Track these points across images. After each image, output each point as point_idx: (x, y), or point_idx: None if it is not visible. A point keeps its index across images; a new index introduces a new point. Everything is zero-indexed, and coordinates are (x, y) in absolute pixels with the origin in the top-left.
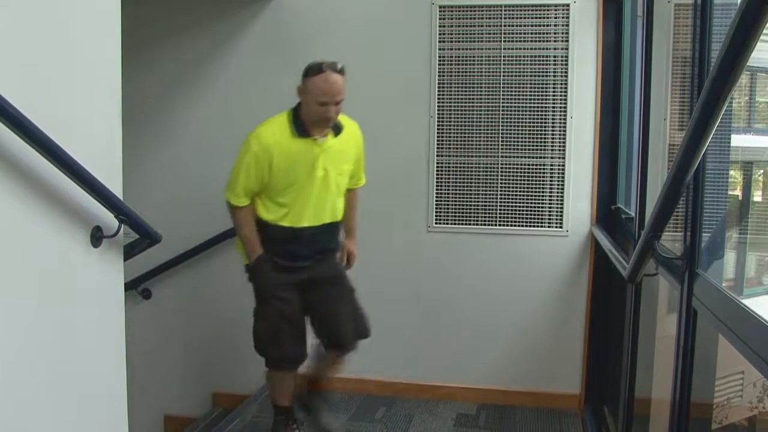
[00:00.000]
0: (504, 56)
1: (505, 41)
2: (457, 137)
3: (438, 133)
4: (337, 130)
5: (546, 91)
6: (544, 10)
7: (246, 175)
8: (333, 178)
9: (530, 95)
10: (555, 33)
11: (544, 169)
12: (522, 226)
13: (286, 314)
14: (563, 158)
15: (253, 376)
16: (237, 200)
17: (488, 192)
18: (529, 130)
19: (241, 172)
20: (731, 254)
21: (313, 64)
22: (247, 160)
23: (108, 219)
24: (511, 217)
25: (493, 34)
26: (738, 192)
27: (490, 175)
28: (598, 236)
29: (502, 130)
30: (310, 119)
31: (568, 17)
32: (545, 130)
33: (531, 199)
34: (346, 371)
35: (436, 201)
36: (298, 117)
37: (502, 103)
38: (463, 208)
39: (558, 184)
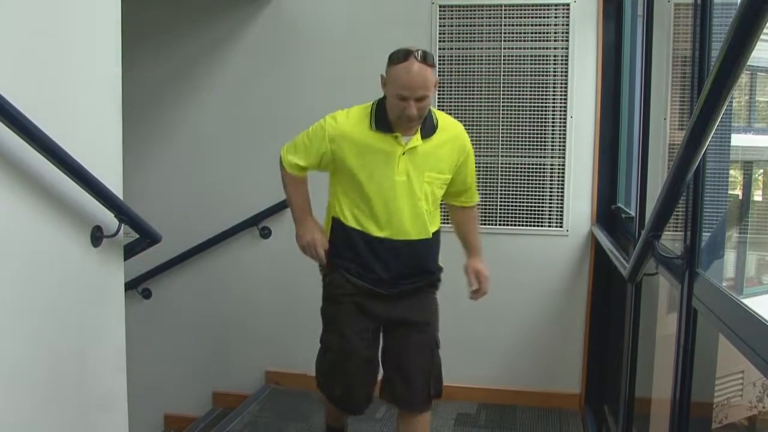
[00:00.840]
0: (504, 56)
1: (505, 41)
2: None
3: None
4: (431, 130)
5: (546, 91)
6: (544, 10)
7: (305, 144)
8: (418, 186)
9: (530, 95)
10: (555, 32)
11: (544, 168)
12: (522, 225)
13: (355, 351)
14: (563, 158)
15: (252, 376)
16: (288, 158)
17: (488, 191)
18: (529, 130)
19: (303, 137)
20: (731, 254)
21: (398, 50)
22: (314, 129)
23: (108, 219)
24: (511, 217)
25: (494, 33)
26: (738, 191)
27: (490, 175)
28: (598, 236)
29: (502, 129)
30: (391, 115)
31: (568, 17)
32: (545, 130)
33: (531, 199)
34: None
35: None
36: (382, 110)
37: (502, 102)
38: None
39: (558, 184)
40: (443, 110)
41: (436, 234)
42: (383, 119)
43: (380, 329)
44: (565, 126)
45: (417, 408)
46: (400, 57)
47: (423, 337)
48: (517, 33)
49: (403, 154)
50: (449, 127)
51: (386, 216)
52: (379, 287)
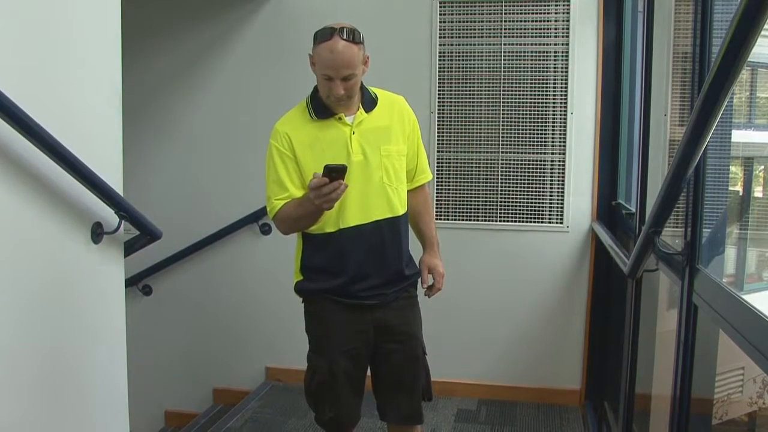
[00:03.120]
0: (504, 52)
1: (505, 37)
2: (457, 133)
3: (438, 128)
4: (371, 103)
5: (546, 87)
6: (544, 6)
7: (277, 176)
8: (376, 163)
9: (531, 91)
10: (555, 28)
11: (544, 164)
12: (522, 221)
13: (343, 371)
14: (564, 154)
15: (253, 372)
16: (275, 204)
17: (488, 188)
18: (530, 126)
19: (271, 173)
20: (732, 250)
21: (324, 28)
22: (270, 157)
23: (108, 215)
24: (512, 213)
25: (494, 29)
26: (739, 188)
27: (491, 171)
28: (599, 232)
29: (502, 125)
30: (323, 96)
31: (568, 12)
32: (546, 126)
33: (531, 195)
34: None
35: (437, 196)
36: (316, 96)
37: (503, 98)
38: (463, 204)
39: (558, 180)
40: (444, 106)
41: (405, 216)
42: (321, 106)
43: (366, 347)
44: (565, 122)
45: (418, 420)
46: (325, 35)
47: (412, 350)
48: (517, 29)
49: (353, 133)
50: (390, 98)
51: (355, 201)
52: (361, 298)
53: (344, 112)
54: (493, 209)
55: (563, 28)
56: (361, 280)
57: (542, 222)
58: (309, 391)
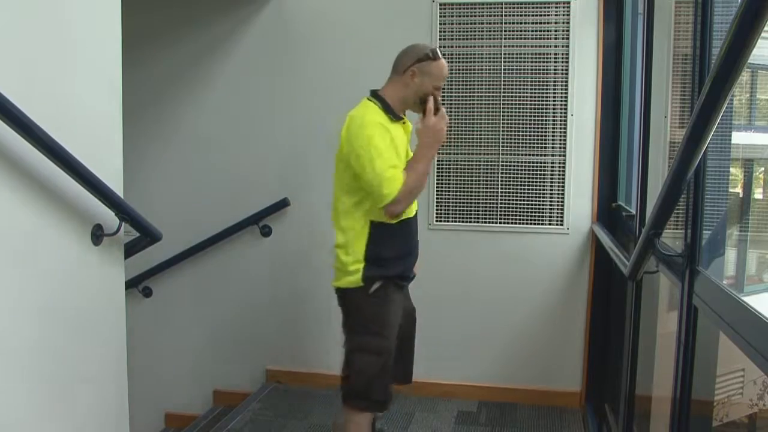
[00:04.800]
0: (504, 54)
1: (505, 39)
2: (457, 135)
3: None
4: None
5: (546, 89)
6: (544, 8)
7: (387, 151)
8: None
9: (531, 93)
10: (556, 30)
11: (544, 166)
12: (523, 223)
13: (395, 347)
14: (564, 156)
15: (253, 374)
16: (394, 175)
17: (489, 189)
18: (530, 128)
19: (376, 157)
20: (732, 252)
21: (426, 48)
22: (378, 133)
23: (109, 217)
24: (512, 215)
25: (494, 31)
26: (739, 189)
27: (491, 173)
28: (599, 234)
29: (502, 127)
30: (406, 103)
31: (568, 14)
32: (546, 128)
33: (532, 197)
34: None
35: (437, 198)
36: (384, 101)
37: (503, 100)
38: (463, 206)
39: (559, 182)
40: (444, 108)
41: None
42: (392, 110)
43: None
44: (565, 124)
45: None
46: (436, 54)
47: (414, 320)
48: (517, 31)
49: (408, 135)
50: None
51: None
52: (410, 279)
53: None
54: (493, 211)
55: (563, 30)
56: (413, 264)
57: (542, 224)
58: (372, 374)
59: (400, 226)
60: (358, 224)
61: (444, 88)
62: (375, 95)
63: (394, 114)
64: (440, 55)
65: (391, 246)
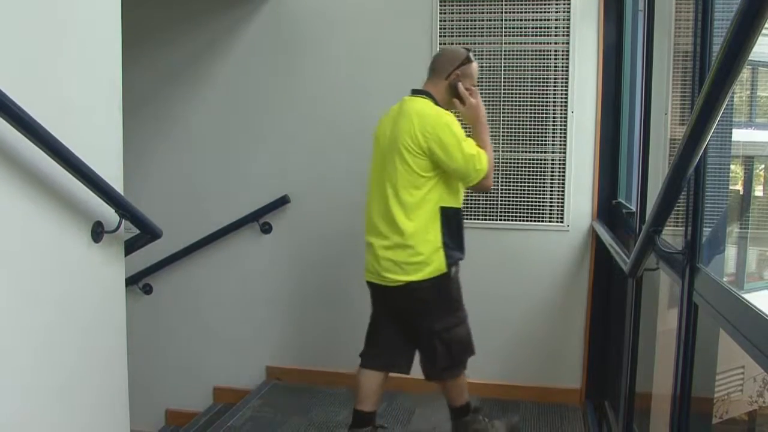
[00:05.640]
0: (505, 50)
1: (505, 35)
2: None
3: None
4: None
5: (547, 86)
6: (545, 4)
7: (463, 136)
8: None
9: (531, 90)
10: (556, 27)
11: (544, 163)
12: (523, 220)
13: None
14: (564, 153)
15: (253, 371)
16: (477, 153)
17: None
18: (530, 125)
19: (462, 140)
20: (732, 249)
21: (463, 52)
22: (453, 130)
23: (109, 214)
24: (512, 212)
25: (494, 28)
26: (739, 187)
27: None
28: (599, 231)
29: (502, 124)
30: (448, 103)
31: (569, 11)
32: (546, 125)
33: (532, 194)
34: (349, 366)
35: None
36: (438, 102)
37: (503, 97)
38: (463, 203)
39: (559, 179)
40: None
41: None
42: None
43: None
44: (565, 121)
45: None
46: (473, 57)
47: None
48: (517, 27)
49: None
50: None
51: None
52: None
53: None
54: (493, 208)
55: (564, 27)
56: None
57: (542, 221)
58: (467, 341)
59: (458, 210)
60: (430, 213)
61: None
62: (427, 95)
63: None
64: (474, 58)
65: (457, 230)
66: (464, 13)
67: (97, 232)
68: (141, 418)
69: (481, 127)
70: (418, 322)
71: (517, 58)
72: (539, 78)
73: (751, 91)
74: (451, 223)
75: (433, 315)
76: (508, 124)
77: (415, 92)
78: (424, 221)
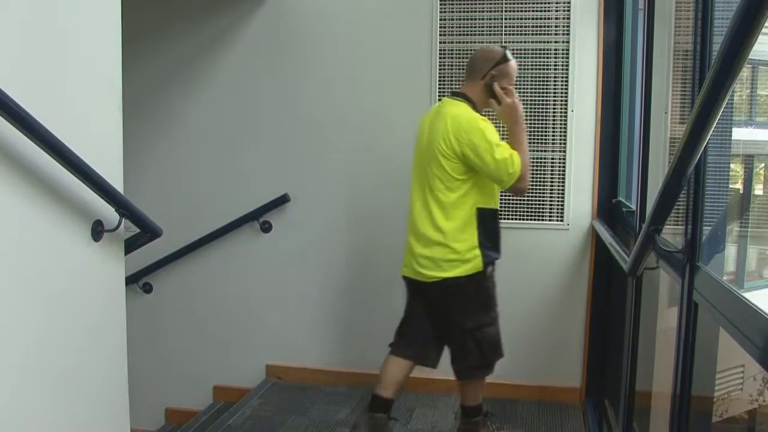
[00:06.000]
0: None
1: (506, 34)
2: None
3: None
4: None
5: (547, 85)
6: (545, 3)
7: (496, 139)
8: None
9: (531, 88)
10: (556, 26)
11: (545, 162)
12: (523, 219)
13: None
14: (564, 151)
15: (253, 369)
16: (510, 156)
17: None
18: (530, 124)
19: (494, 144)
20: (732, 248)
21: (500, 51)
22: (485, 133)
23: (109, 213)
24: (512, 211)
25: (494, 26)
26: (739, 185)
27: None
28: (599, 230)
29: (502, 123)
30: (486, 103)
31: (569, 10)
32: (546, 124)
33: (532, 193)
34: (349, 365)
35: None
36: (473, 104)
37: None
38: None
39: (559, 178)
40: None
41: None
42: (477, 110)
43: None
44: (566, 120)
45: None
46: (510, 56)
47: None
48: (517, 26)
49: None
50: None
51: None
52: None
53: None
54: None
55: (564, 26)
56: None
57: (542, 220)
58: (496, 342)
59: (494, 211)
60: (467, 213)
61: (444, 84)
62: (464, 97)
63: (479, 113)
64: (511, 56)
65: (493, 230)
66: (464, 12)
67: (97, 231)
68: (141, 416)
69: (517, 128)
70: (451, 318)
71: (517, 57)
72: (539, 77)
73: (751, 89)
74: (488, 223)
75: (467, 312)
76: None
77: (454, 95)
78: (461, 221)
